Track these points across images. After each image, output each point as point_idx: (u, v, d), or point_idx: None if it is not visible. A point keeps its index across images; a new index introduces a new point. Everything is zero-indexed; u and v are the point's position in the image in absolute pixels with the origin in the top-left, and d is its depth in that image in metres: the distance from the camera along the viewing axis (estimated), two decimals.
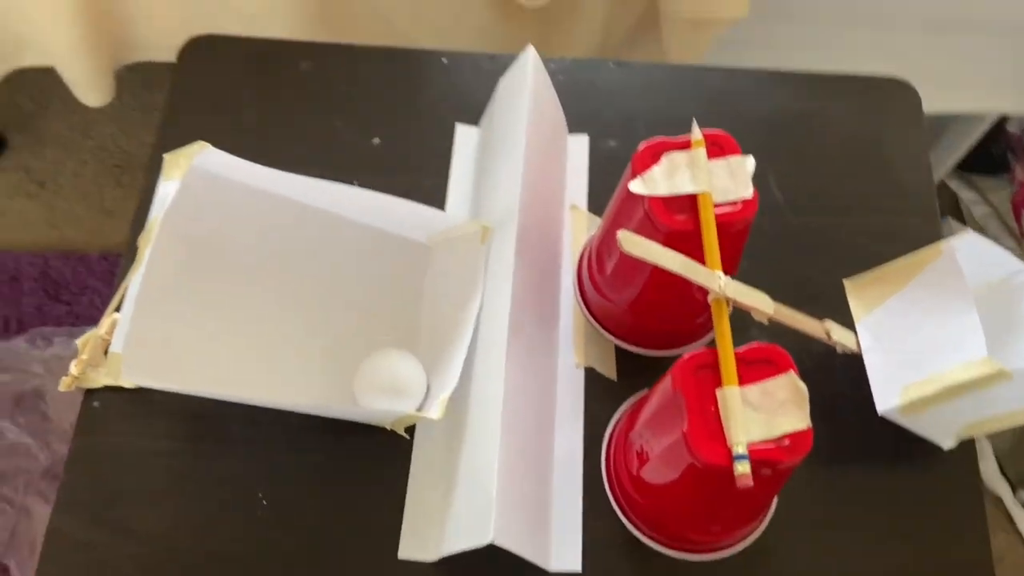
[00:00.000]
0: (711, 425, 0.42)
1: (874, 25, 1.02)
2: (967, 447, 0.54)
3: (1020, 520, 1.18)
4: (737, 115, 0.65)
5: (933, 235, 0.61)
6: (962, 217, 1.39)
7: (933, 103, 1.13)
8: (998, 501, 1.21)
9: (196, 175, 0.45)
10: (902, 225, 0.62)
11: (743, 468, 0.40)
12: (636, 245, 0.43)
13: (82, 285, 1.22)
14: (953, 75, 1.10)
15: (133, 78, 1.34)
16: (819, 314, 0.53)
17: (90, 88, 0.94)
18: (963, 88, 1.13)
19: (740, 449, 0.41)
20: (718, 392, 0.42)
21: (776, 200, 0.62)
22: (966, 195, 1.38)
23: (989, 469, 1.22)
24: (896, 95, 0.66)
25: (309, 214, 0.52)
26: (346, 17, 0.89)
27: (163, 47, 0.95)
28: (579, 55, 0.91)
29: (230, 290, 0.50)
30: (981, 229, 1.36)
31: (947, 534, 0.53)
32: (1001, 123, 1.28)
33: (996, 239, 1.34)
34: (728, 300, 0.45)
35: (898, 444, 0.54)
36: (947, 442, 0.52)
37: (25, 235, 1.25)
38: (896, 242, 0.57)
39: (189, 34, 0.67)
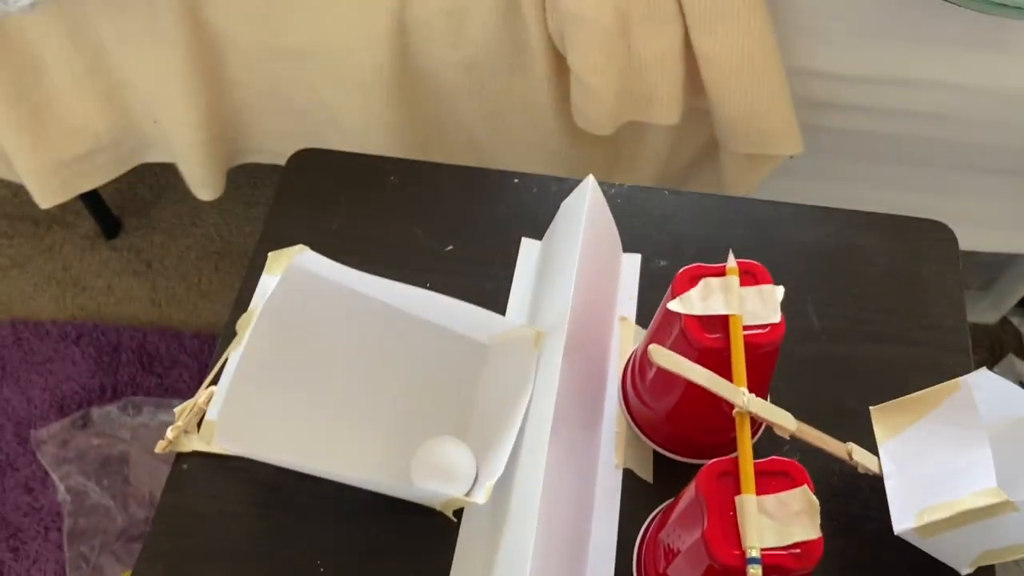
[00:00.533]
0: (729, 529, 0.46)
1: (935, 164, 1.08)
2: (986, 573, 0.55)
3: None
4: (780, 245, 0.71)
5: (964, 369, 0.64)
6: None
7: (996, 242, 1.17)
8: None
9: (295, 272, 0.52)
10: (934, 359, 0.65)
11: (755, 571, 0.44)
12: (666, 359, 0.48)
13: (174, 360, 1.32)
14: (1018, 215, 1.13)
15: (239, 174, 1.48)
16: (847, 437, 0.56)
17: (204, 184, 1.06)
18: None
19: (754, 553, 0.44)
20: (737, 499, 0.46)
21: (813, 327, 0.67)
22: None
23: None
24: (933, 235, 0.71)
25: (388, 311, 0.59)
26: (438, 138, 0.99)
27: (272, 152, 1.07)
28: (642, 182, 0.98)
29: (314, 374, 0.57)
30: None
31: None
32: None
33: None
34: (752, 414, 0.50)
35: (917, 567, 0.56)
36: (964, 568, 0.54)
37: (128, 310, 1.37)
38: (927, 374, 0.61)
39: (295, 143, 0.77)
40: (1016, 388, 0.54)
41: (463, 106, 0.94)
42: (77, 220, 1.44)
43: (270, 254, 0.53)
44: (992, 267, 1.33)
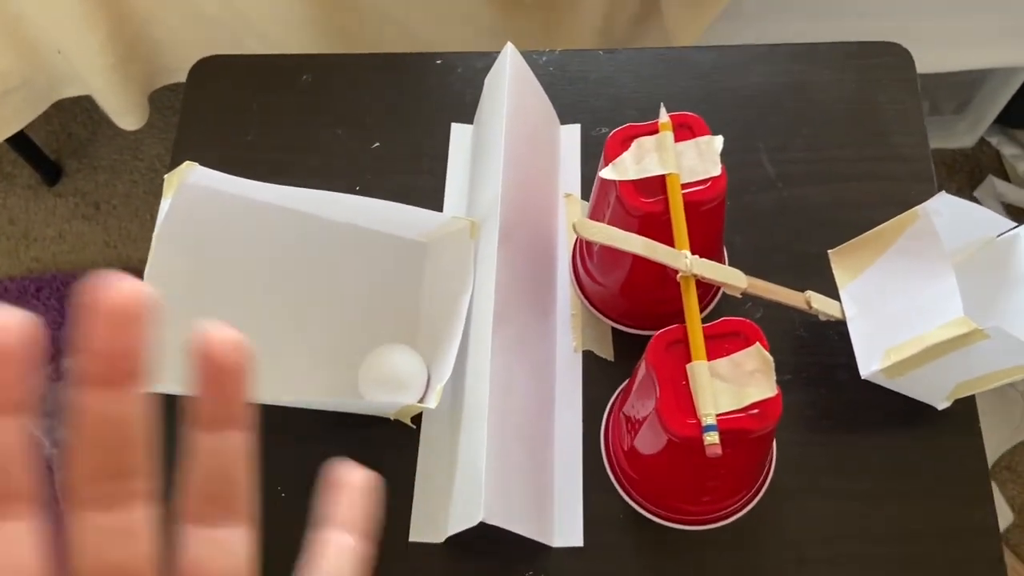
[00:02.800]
0: (682, 398, 0.43)
1: None
2: (966, 405, 0.54)
3: None
4: (727, 91, 0.66)
5: (928, 196, 0.61)
6: (1006, 174, 1.35)
7: (968, 59, 1.11)
8: None
9: (189, 189, 0.48)
10: (899, 191, 0.62)
11: (711, 439, 0.42)
12: (596, 231, 0.45)
13: None
14: (987, 30, 1.07)
15: (175, 99, 1.40)
16: (813, 285, 0.53)
17: (125, 113, 0.99)
18: (998, 43, 1.10)
19: (709, 420, 0.42)
20: (688, 367, 0.44)
21: (768, 174, 0.63)
22: (1009, 150, 1.34)
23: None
24: (886, 59, 0.66)
25: (306, 221, 0.55)
26: (358, 26, 0.92)
27: (187, 68, 1.00)
28: (584, 46, 0.92)
29: (234, 299, 0.53)
30: None
31: (949, 494, 0.53)
32: None
33: None
34: (697, 277, 0.47)
35: (896, 408, 0.54)
36: (940, 403, 0.52)
37: (85, 255, 1.33)
38: (893, 210, 0.57)
39: (209, 52, 0.71)
40: (979, 208, 0.51)
41: None
42: (15, 170, 1.38)
43: (165, 176, 0.49)
44: (964, 88, 1.28)
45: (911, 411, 0.54)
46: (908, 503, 0.53)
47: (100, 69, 0.91)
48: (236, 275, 0.53)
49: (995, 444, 1.17)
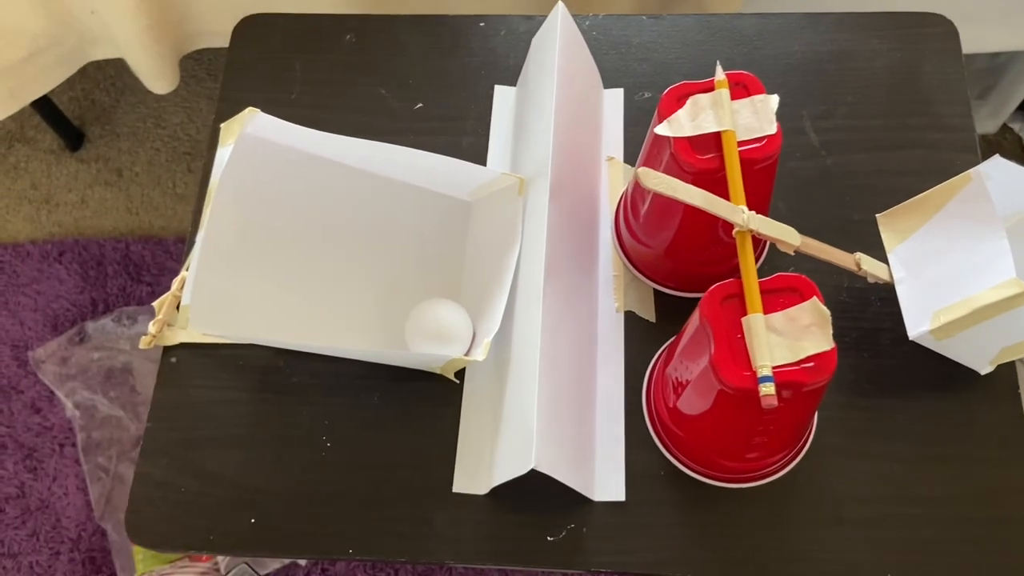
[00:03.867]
0: (737, 351, 0.44)
1: None
2: (1007, 371, 0.54)
3: None
4: (770, 59, 0.66)
5: (972, 165, 0.61)
6: None
7: (990, 42, 1.11)
8: None
9: (248, 139, 0.48)
10: (942, 160, 0.62)
11: (767, 389, 0.42)
12: (658, 181, 0.45)
13: (161, 267, 1.29)
14: (1012, 12, 1.07)
15: (198, 68, 1.40)
16: (855, 249, 0.54)
17: (157, 77, 1.00)
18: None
19: (765, 371, 0.42)
20: (743, 320, 0.44)
21: (812, 142, 0.63)
22: None
23: None
24: (932, 30, 0.66)
25: (356, 175, 0.55)
26: None
27: (222, 33, 0.99)
28: (620, 11, 0.92)
29: (286, 246, 0.54)
30: None
31: (989, 458, 0.53)
32: None
33: None
34: (753, 232, 0.47)
35: (937, 372, 0.55)
36: (984, 367, 0.53)
37: (107, 222, 1.33)
38: (936, 178, 0.57)
39: (241, 16, 0.71)
40: None
41: None
42: (38, 135, 1.38)
43: (222, 125, 0.49)
44: (988, 74, 1.28)
45: (952, 377, 0.55)
46: (947, 466, 0.53)
47: (134, 31, 0.91)
48: (289, 226, 0.53)
49: None
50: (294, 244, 0.54)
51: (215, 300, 0.46)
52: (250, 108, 0.48)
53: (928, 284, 0.51)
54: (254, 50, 0.69)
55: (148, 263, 1.30)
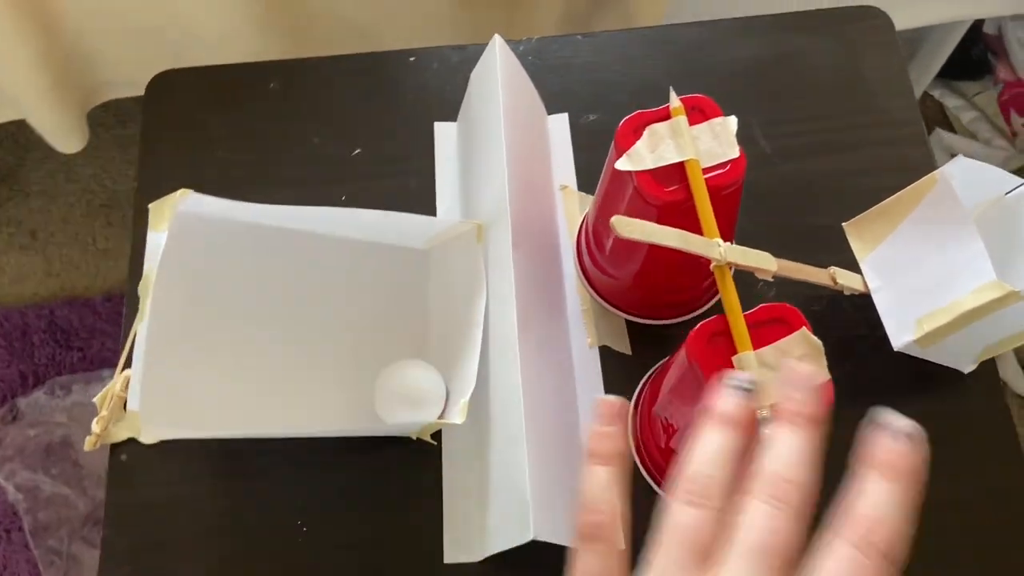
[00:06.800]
0: None
1: None
2: (988, 368, 0.54)
3: None
4: (713, 69, 0.65)
5: (926, 161, 0.61)
6: (951, 126, 1.38)
7: (907, 19, 1.12)
8: None
9: (184, 219, 0.44)
10: (894, 156, 0.61)
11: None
12: (632, 228, 0.43)
13: (91, 329, 1.23)
14: None
15: (106, 115, 1.33)
16: (826, 259, 0.52)
17: (65, 136, 0.93)
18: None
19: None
20: (734, 359, 0.42)
21: (763, 151, 0.62)
22: (952, 102, 1.37)
23: (1010, 371, 1.23)
24: (868, 23, 0.65)
25: (304, 238, 0.52)
26: (312, 30, 0.88)
27: (132, 83, 0.94)
28: (547, 31, 0.90)
29: (239, 326, 0.50)
30: (971, 135, 1.35)
31: (978, 457, 0.53)
32: (977, 26, 1.27)
33: (987, 142, 1.33)
34: (730, 265, 0.45)
35: (920, 375, 0.54)
36: (967, 367, 0.52)
37: (26, 288, 1.26)
38: (891, 174, 0.57)
39: (154, 68, 0.66)
40: (991, 168, 0.51)
41: None
42: None
43: (151, 206, 0.45)
44: (906, 45, 1.30)
45: (936, 377, 0.54)
46: (946, 470, 0.52)
47: (36, 91, 0.85)
48: (240, 304, 0.50)
49: None
50: (247, 323, 0.50)
51: (167, 401, 0.42)
52: (182, 190, 0.44)
53: (906, 291, 0.50)
54: (170, 110, 0.64)
55: (76, 327, 1.23)
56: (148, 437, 0.50)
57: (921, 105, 1.39)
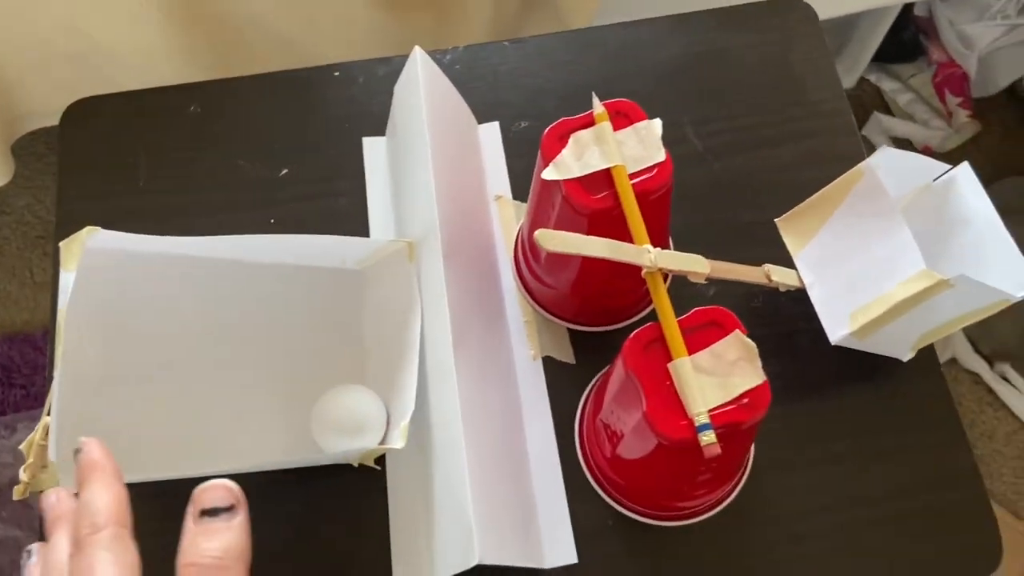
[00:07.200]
0: (670, 400, 0.41)
1: None
2: (926, 354, 0.54)
3: (1002, 393, 1.20)
4: (643, 69, 0.64)
5: (856, 151, 0.61)
6: (888, 109, 1.40)
7: (836, 6, 1.13)
8: (977, 378, 1.23)
9: (93, 256, 0.43)
10: (826, 148, 0.61)
11: (708, 438, 0.40)
12: (557, 241, 0.42)
13: (33, 365, 1.19)
14: None
15: (35, 143, 1.29)
16: (764, 255, 0.52)
17: None
18: None
19: (702, 419, 0.40)
20: (670, 366, 0.42)
21: (696, 149, 0.61)
22: (888, 85, 1.39)
23: (963, 349, 1.24)
24: (793, 15, 0.65)
25: (227, 266, 0.50)
26: (240, 48, 0.86)
27: (55, 113, 0.91)
28: (477, 37, 0.89)
29: (163, 364, 0.48)
30: (909, 117, 1.37)
31: (923, 443, 0.53)
32: (907, 9, 1.28)
33: (925, 123, 1.35)
34: (662, 271, 0.45)
35: (861, 366, 0.54)
36: (906, 355, 0.52)
37: None
38: (824, 167, 0.57)
39: (77, 95, 0.64)
40: (916, 156, 0.51)
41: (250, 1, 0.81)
42: None
43: (61, 245, 0.43)
44: (841, 30, 1.31)
45: (875, 367, 0.54)
46: (890, 459, 0.53)
47: None
48: (162, 339, 0.48)
49: None
50: (172, 360, 0.49)
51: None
52: (88, 227, 0.42)
53: (839, 285, 0.50)
54: (89, 138, 0.62)
55: (18, 363, 1.19)
56: (72, 486, 0.48)
57: (858, 89, 1.41)
